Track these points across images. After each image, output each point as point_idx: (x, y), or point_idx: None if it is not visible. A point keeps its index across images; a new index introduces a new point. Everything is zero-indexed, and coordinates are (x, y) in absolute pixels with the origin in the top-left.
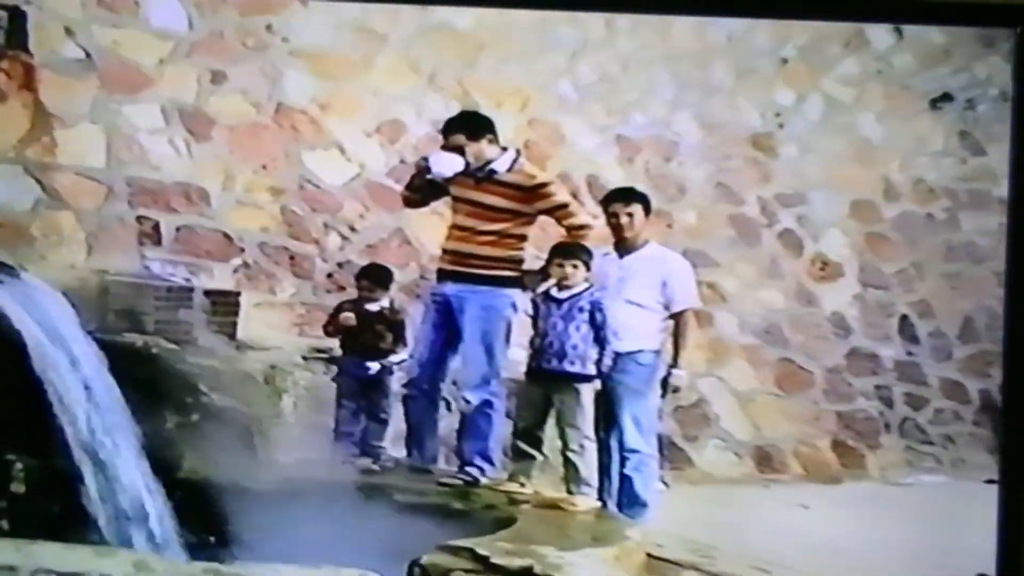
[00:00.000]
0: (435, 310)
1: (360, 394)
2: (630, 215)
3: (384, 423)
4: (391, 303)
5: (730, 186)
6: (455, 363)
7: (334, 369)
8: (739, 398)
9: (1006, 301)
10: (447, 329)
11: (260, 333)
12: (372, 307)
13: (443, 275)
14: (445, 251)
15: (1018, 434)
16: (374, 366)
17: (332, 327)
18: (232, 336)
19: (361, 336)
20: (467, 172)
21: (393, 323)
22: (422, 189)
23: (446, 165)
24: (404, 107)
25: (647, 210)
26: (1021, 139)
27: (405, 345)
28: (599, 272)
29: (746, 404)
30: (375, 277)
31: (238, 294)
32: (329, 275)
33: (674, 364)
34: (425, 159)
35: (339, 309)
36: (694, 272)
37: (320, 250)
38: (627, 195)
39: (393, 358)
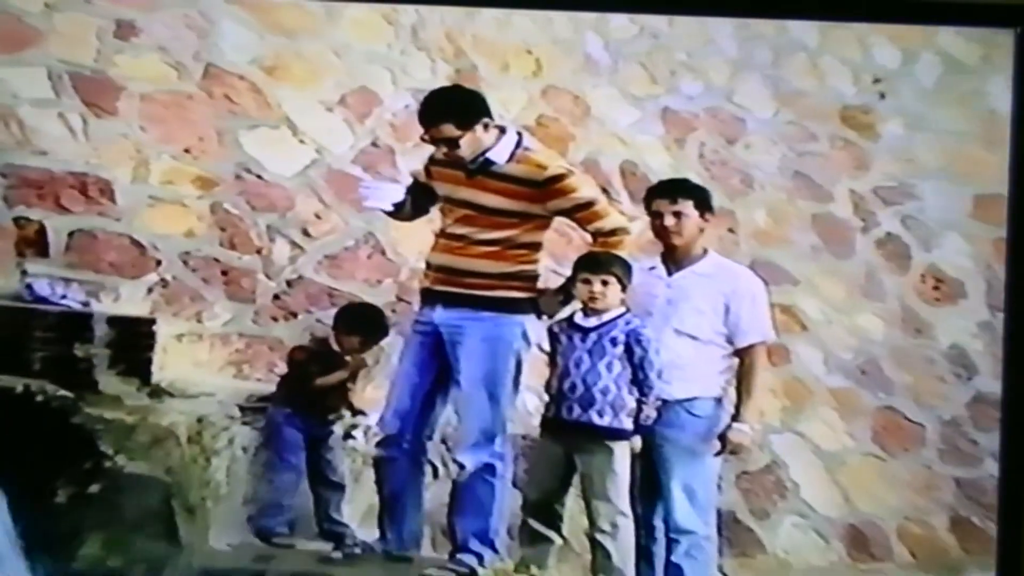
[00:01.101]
0: (419, 344)
1: (310, 449)
2: (680, 216)
3: (340, 488)
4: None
5: (813, 176)
6: (446, 414)
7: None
8: (825, 460)
9: (1006, 301)
10: (435, 369)
11: (183, 375)
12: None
13: (430, 297)
14: (432, 266)
15: (1018, 434)
16: (360, 436)
17: (318, 383)
18: (145, 379)
19: (319, 392)
20: (454, 162)
21: (354, 373)
22: (400, 207)
23: (380, 197)
24: (377, 72)
25: (704, 209)
26: (1021, 139)
27: (362, 393)
28: (640, 293)
29: (834, 468)
30: (370, 327)
31: (153, 322)
32: (276, 297)
33: (738, 416)
34: (364, 185)
35: (321, 354)
36: (767, 292)
37: (264, 263)
38: (676, 189)
39: (359, 419)
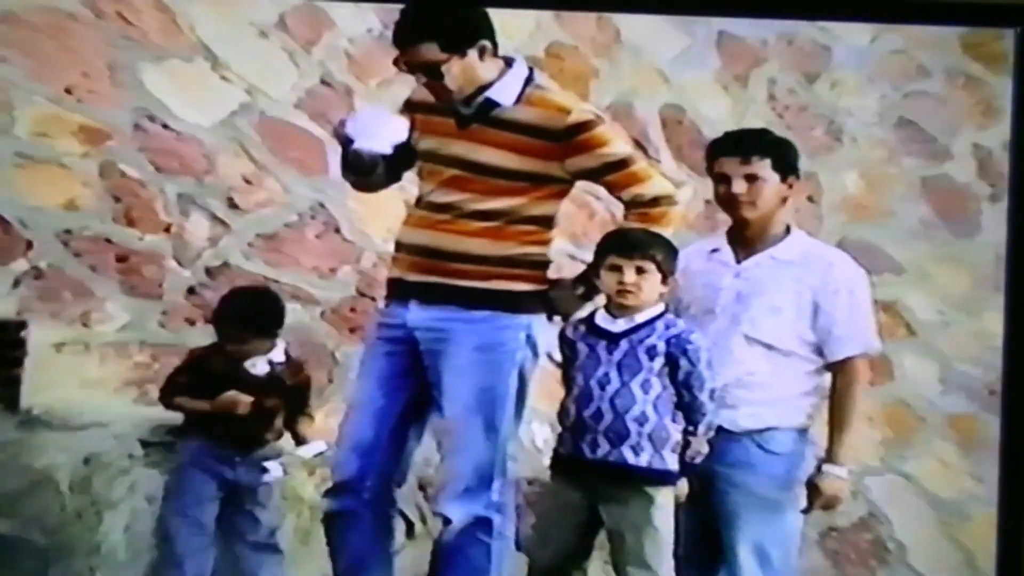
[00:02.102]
0: (386, 355)
1: (224, 502)
2: (755, 180)
3: (274, 553)
4: (286, 355)
5: (923, 126)
6: (423, 451)
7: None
8: (940, 512)
9: (1006, 301)
10: (408, 389)
11: (65, 399)
12: (255, 367)
13: (401, 290)
14: (404, 247)
15: (1018, 435)
16: (275, 469)
17: (177, 402)
18: (11, 404)
19: (238, 419)
20: (442, 107)
21: (294, 390)
22: (371, 166)
23: (381, 134)
24: None
25: (787, 171)
26: (1022, 139)
27: (311, 421)
28: (698, 284)
29: (953, 523)
30: (249, 316)
31: (22, 326)
32: (191, 291)
33: (832, 455)
34: (342, 123)
35: (196, 363)
36: (869, 285)
37: (175, 245)
38: (750, 144)
39: (304, 451)
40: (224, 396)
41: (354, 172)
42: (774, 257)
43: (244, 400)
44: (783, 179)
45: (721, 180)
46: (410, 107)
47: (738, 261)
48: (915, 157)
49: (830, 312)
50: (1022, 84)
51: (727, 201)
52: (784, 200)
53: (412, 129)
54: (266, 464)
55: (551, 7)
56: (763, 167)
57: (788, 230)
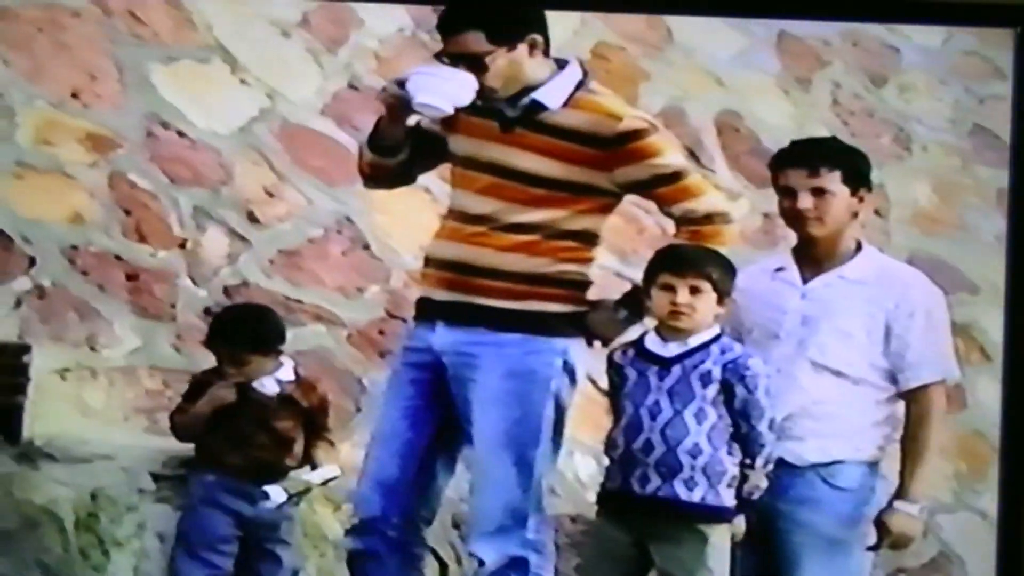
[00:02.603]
0: (411, 382)
1: (243, 541)
2: (823, 194)
3: None
4: (296, 374)
5: (997, 131)
6: (454, 486)
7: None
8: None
9: (1006, 302)
10: (436, 419)
11: (69, 429)
12: (264, 386)
13: (428, 310)
14: (433, 261)
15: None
16: (276, 493)
17: (186, 419)
18: (12, 436)
19: (249, 440)
20: (483, 107)
21: (310, 413)
22: (398, 146)
23: (444, 91)
24: None
25: (858, 183)
26: (1021, 138)
27: (331, 446)
28: (760, 305)
29: None
30: (244, 332)
31: (25, 350)
32: (207, 312)
33: (904, 491)
34: (401, 82)
35: (200, 384)
36: (946, 307)
37: (189, 262)
38: (818, 154)
39: (313, 476)
40: (210, 391)
41: (379, 146)
42: (844, 277)
43: (227, 393)
44: (853, 192)
45: (786, 194)
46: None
47: (804, 281)
48: (990, 166)
49: (904, 336)
50: (1022, 84)
51: (793, 217)
52: (854, 215)
53: (446, 130)
54: (266, 489)
55: (596, 8)
56: (832, 180)
57: (859, 247)
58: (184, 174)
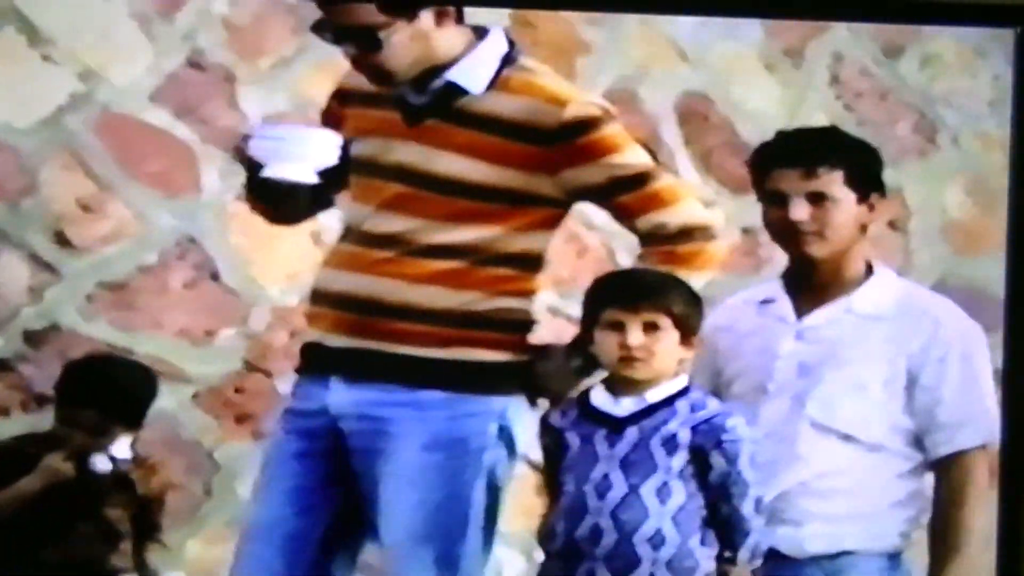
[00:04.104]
0: (300, 458)
1: None
2: (822, 201)
3: None
4: (133, 451)
5: None
6: None
7: None
8: None
9: (1006, 302)
10: (333, 504)
11: None
12: (95, 464)
13: (320, 361)
14: (324, 296)
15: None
16: None
17: None
18: None
19: (66, 534)
20: (382, 95)
21: (144, 503)
22: (288, 194)
23: (298, 157)
24: None
25: (866, 187)
26: (1021, 138)
27: (164, 547)
28: (742, 351)
29: None
30: (110, 393)
31: None
32: (3, 366)
33: None
34: (245, 139)
35: (5, 457)
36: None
37: None
38: (816, 149)
39: None
40: (43, 463)
41: (265, 204)
42: (852, 310)
43: (65, 466)
44: (861, 198)
45: (774, 201)
46: (341, 99)
47: (800, 316)
48: None
49: (934, 388)
50: (1022, 84)
51: (783, 231)
52: (863, 228)
53: (336, 128)
54: None
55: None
56: (833, 182)
57: (870, 270)
58: None
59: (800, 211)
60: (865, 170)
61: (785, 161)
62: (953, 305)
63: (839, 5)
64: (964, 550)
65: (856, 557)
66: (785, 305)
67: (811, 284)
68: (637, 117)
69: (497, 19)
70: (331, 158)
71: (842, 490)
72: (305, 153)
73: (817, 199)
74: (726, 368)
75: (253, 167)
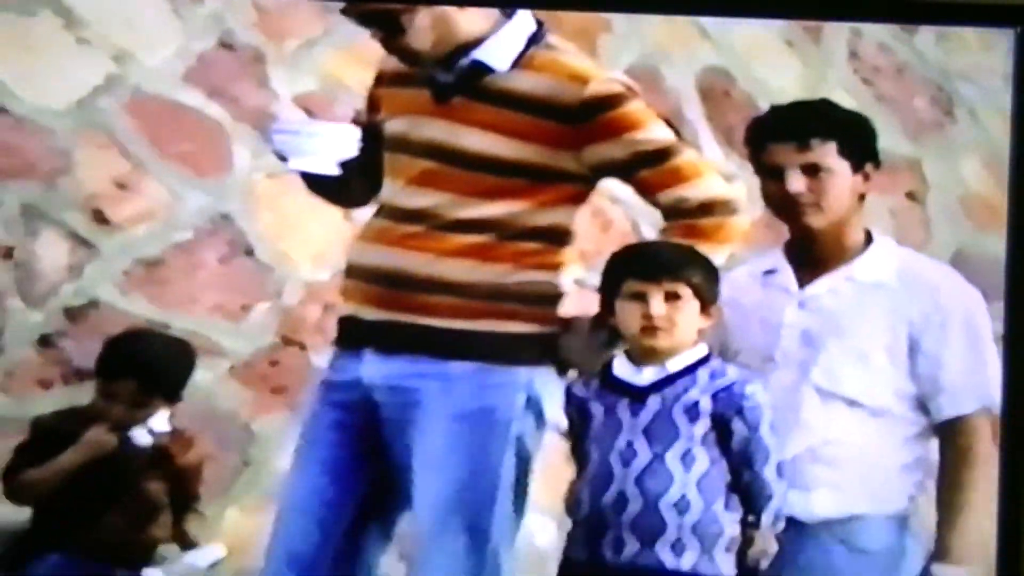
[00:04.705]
0: (335, 428)
1: None
2: (817, 172)
3: None
4: (171, 424)
5: None
6: (388, 562)
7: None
8: None
9: (1006, 302)
10: (368, 473)
11: None
12: (138, 436)
13: (354, 333)
14: (357, 271)
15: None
16: None
17: (41, 474)
18: None
19: (107, 506)
20: (411, 75)
21: (181, 475)
22: (329, 187)
23: (316, 150)
24: None
25: (862, 158)
26: (1021, 138)
27: (202, 517)
28: (748, 318)
29: None
30: (149, 366)
31: None
32: (44, 341)
33: (943, 551)
34: (271, 131)
35: (47, 431)
36: (989, 316)
37: (18, 277)
38: (809, 121)
39: (197, 558)
40: (86, 436)
41: (314, 192)
42: (853, 279)
43: (107, 439)
44: (856, 168)
45: (771, 174)
46: (378, 81)
47: (802, 286)
48: None
49: (936, 353)
50: (1022, 84)
51: (782, 204)
52: (861, 198)
53: (374, 113)
54: (145, 573)
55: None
56: (827, 153)
57: (869, 239)
58: (9, 164)
59: (797, 183)
60: (858, 141)
61: (779, 135)
62: (953, 272)
63: (841, 5)
64: (969, 511)
65: (865, 520)
66: (787, 275)
67: (812, 254)
68: (659, 94)
69: None
70: (350, 150)
71: (849, 455)
72: (322, 147)
73: (812, 171)
74: (732, 339)
75: (280, 159)
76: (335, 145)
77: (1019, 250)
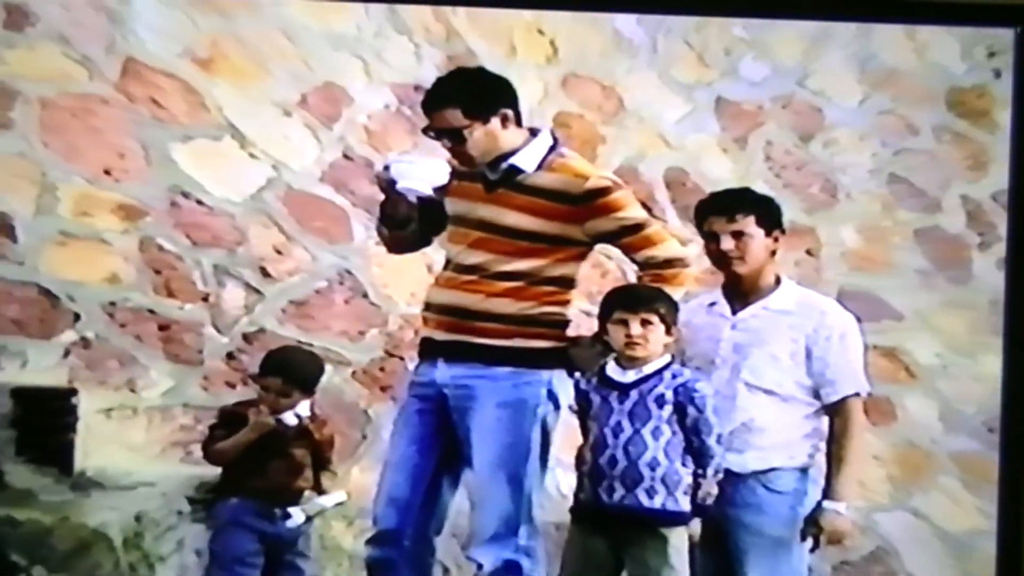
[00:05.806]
0: (418, 413)
1: (267, 555)
2: (741, 236)
3: None
4: (311, 410)
5: (914, 180)
6: (456, 503)
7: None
8: (949, 545)
9: (1006, 302)
10: (440, 447)
11: (114, 461)
12: (287, 419)
13: (430, 349)
14: (433, 307)
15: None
16: (297, 515)
17: (226, 446)
18: (65, 468)
19: (268, 465)
20: (470, 173)
21: (319, 445)
22: (406, 219)
23: (420, 175)
24: (345, 61)
25: (771, 226)
26: (1021, 138)
27: (334, 476)
28: (699, 337)
29: (962, 555)
30: (290, 369)
31: (73, 394)
32: (230, 356)
33: (831, 492)
34: (385, 167)
35: (229, 415)
36: (861, 331)
37: (212, 313)
38: (733, 203)
39: (326, 500)
40: (254, 420)
41: (390, 223)
42: (768, 308)
43: (269, 421)
44: (768, 233)
45: (711, 238)
46: (451, 176)
47: (734, 313)
48: (908, 210)
49: (823, 356)
50: (1022, 84)
51: (718, 257)
52: (772, 253)
53: (445, 193)
54: (289, 510)
55: (550, 8)
56: (748, 223)
57: (778, 281)
58: (204, 237)
59: (728, 244)
60: (770, 215)
61: (716, 211)
62: (834, 302)
63: (846, 6)
64: (848, 463)
65: (780, 471)
66: (724, 306)
67: (740, 292)
68: (638, 185)
69: (544, 121)
70: (442, 178)
71: (768, 428)
72: (423, 173)
73: (739, 235)
74: (687, 349)
75: (389, 185)
76: (432, 172)
77: (1019, 253)
